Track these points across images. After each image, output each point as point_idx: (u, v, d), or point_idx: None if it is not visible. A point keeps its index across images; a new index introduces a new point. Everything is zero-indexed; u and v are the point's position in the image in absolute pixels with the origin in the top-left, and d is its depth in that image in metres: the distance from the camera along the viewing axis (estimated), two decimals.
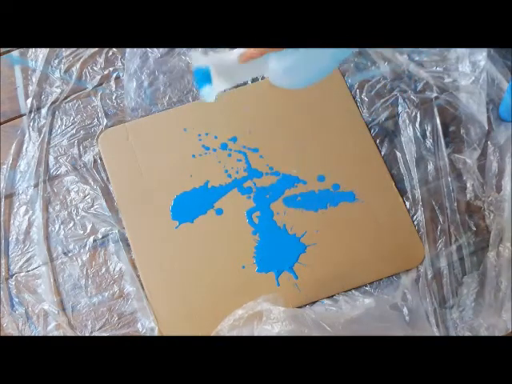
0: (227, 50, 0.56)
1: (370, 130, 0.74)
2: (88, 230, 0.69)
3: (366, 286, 0.66)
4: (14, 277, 0.67)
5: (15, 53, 0.79)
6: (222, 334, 0.57)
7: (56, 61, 0.79)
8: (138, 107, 0.76)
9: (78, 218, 0.70)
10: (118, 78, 0.78)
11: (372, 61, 0.78)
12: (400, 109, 0.75)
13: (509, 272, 0.65)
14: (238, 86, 0.77)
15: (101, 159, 0.73)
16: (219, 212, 0.69)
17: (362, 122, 0.74)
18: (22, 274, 0.67)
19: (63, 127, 0.75)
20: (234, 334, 0.56)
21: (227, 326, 0.57)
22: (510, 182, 0.70)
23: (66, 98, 0.77)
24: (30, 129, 0.75)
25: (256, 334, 0.55)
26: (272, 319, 0.55)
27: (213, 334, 0.58)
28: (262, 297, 0.58)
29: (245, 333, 0.55)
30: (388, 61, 0.78)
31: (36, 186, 0.72)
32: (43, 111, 0.76)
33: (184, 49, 0.79)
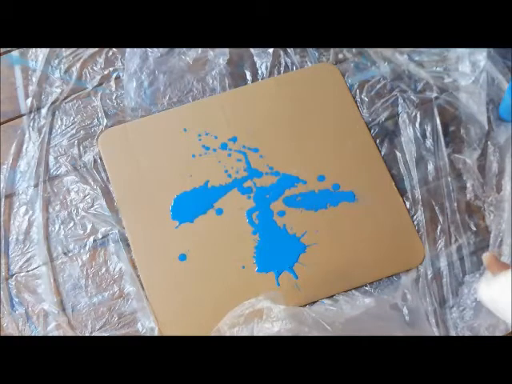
0: None
1: (370, 129, 0.74)
2: (88, 230, 0.69)
3: (366, 285, 0.66)
4: (13, 277, 0.67)
5: (15, 53, 0.79)
6: (222, 331, 0.57)
7: (56, 61, 0.79)
8: (138, 107, 0.76)
9: (78, 217, 0.70)
10: (117, 77, 0.78)
11: (372, 61, 0.78)
12: (400, 109, 0.75)
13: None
14: (238, 86, 0.77)
15: (101, 159, 0.73)
16: (219, 212, 0.69)
17: (362, 122, 0.74)
18: (22, 274, 0.67)
19: (63, 127, 0.75)
20: (235, 331, 0.56)
21: (228, 324, 0.57)
22: (510, 182, 0.70)
23: (66, 97, 0.77)
24: (30, 129, 0.75)
25: (256, 331, 0.55)
26: (272, 317, 0.55)
27: (213, 331, 0.58)
28: (263, 294, 0.58)
29: (245, 331, 0.55)
30: (388, 61, 0.78)
31: (36, 186, 0.72)
32: (43, 111, 0.76)
33: (184, 49, 0.79)
